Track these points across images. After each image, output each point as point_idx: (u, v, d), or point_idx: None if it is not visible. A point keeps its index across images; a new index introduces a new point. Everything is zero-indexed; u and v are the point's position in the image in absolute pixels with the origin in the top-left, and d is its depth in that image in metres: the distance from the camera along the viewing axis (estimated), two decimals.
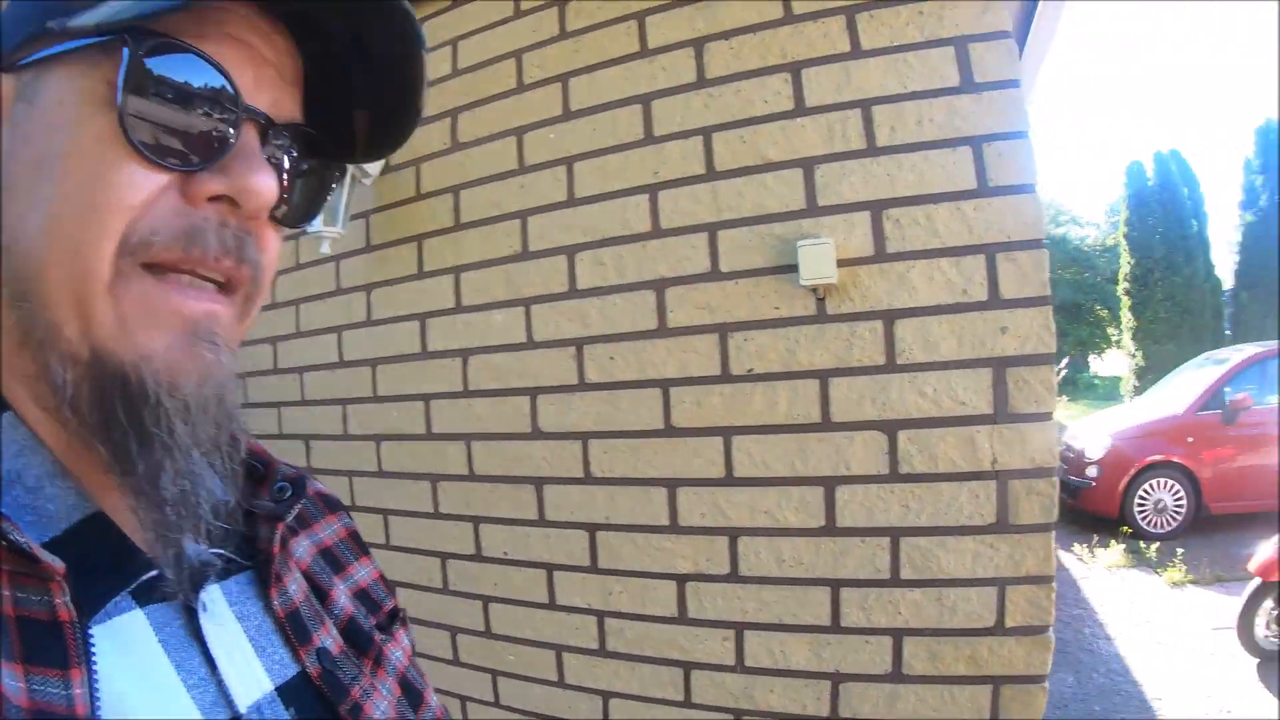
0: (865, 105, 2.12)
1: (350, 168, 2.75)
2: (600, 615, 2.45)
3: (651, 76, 2.36)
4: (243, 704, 0.60)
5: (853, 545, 2.12)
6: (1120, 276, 19.99)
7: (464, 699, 2.75)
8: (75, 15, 0.54)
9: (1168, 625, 5.92)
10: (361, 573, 0.86)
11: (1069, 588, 6.88)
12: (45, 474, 0.57)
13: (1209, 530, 8.41)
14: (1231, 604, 5.43)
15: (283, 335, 3.20)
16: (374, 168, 2.84)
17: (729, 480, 2.23)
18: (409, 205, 2.82)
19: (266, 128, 0.60)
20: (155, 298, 0.55)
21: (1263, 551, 5.08)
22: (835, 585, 2.15)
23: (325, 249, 2.86)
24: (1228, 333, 18.25)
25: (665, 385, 2.30)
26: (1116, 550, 7.60)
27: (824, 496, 2.14)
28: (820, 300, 2.13)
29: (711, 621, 2.29)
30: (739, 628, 2.26)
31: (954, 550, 2.04)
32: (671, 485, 2.31)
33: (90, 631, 0.52)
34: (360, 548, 0.90)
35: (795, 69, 2.19)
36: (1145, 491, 8.59)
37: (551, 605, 2.54)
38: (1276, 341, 10.83)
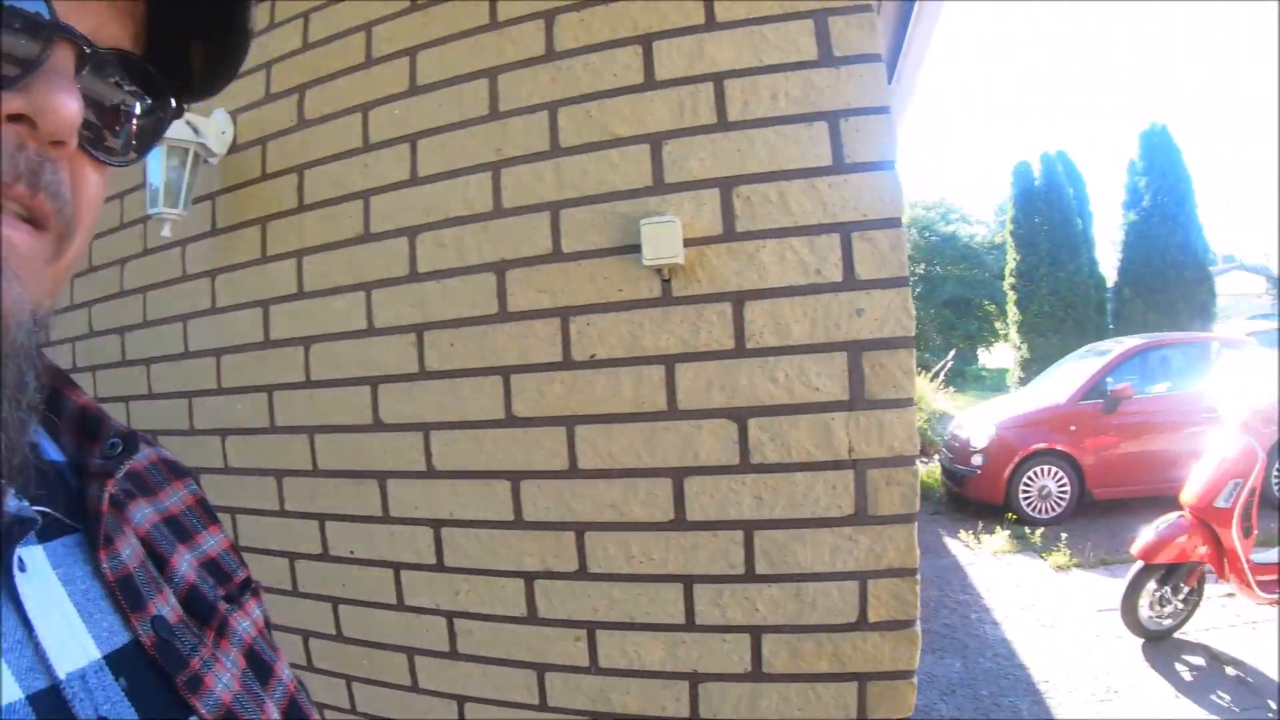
0: (718, 79, 1.92)
1: (194, 147, 2.49)
2: (449, 616, 2.21)
3: (500, 50, 2.12)
4: (62, 670, 0.52)
5: (704, 539, 1.92)
6: (1007, 272, 20.29)
7: (320, 705, 2.47)
8: None
9: (1053, 608, 5.88)
10: (210, 542, 0.78)
11: (955, 574, 6.82)
12: None
13: (1092, 515, 8.47)
14: (1115, 586, 5.41)
15: (130, 325, 2.89)
16: (220, 146, 2.56)
17: (573, 472, 2.00)
18: (254, 186, 2.53)
19: (85, 52, 0.53)
20: None
21: (1144, 535, 5.06)
22: (688, 581, 1.94)
23: (166, 232, 2.56)
24: (1110, 326, 18.58)
25: (506, 373, 2.06)
26: (1002, 536, 7.57)
27: (672, 489, 1.93)
28: (666, 282, 1.92)
29: (562, 621, 2.06)
30: (591, 627, 2.04)
31: (811, 543, 1.85)
32: (515, 478, 2.07)
33: None
34: (209, 516, 0.81)
35: (646, 41, 1.98)
36: (1030, 479, 8.62)
37: (400, 606, 2.28)
38: (1156, 334, 11.08)
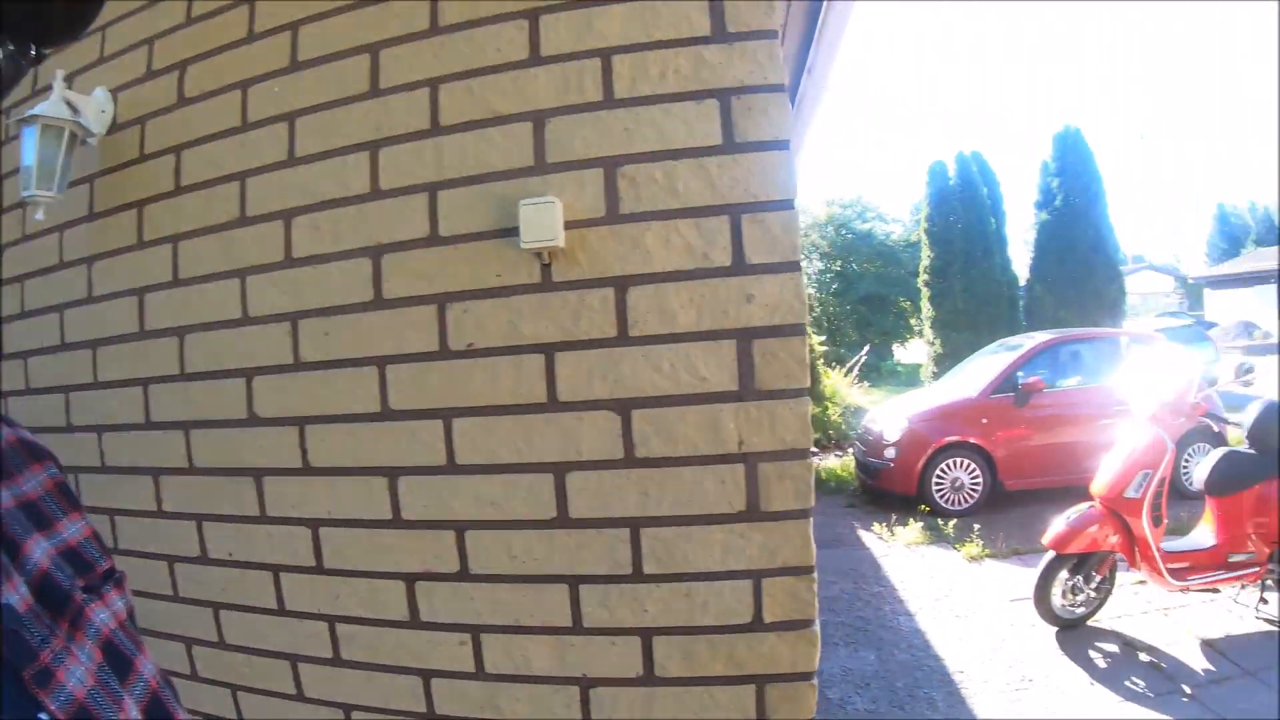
0: (605, 55, 1.77)
1: (71, 126, 2.28)
2: (331, 621, 2.03)
3: (383, 24, 1.95)
4: None
5: (589, 538, 1.77)
6: (921, 269, 20.42)
7: (206, 717, 2.28)
8: None
9: (967, 599, 5.81)
10: (71, 529, 0.70)
11: (870, 566, 6.73)
12: None
13: (1005, 506, 8.45)
14: (1028, 576, 5.33)
15: (9, 316, 2.66)
16: (99, 125, 2.36)
17: (451, 468, 1.84)
18: (132, 168, 2.32)
19: None
20: None
21: (1056, 525, 5.03)
22: (573, 582, 1.79)
23: (40, 216, 2.34)
24: (1022, 323, 18.76)
25: (382, 363, 1.89)
26: (915, 528, 7.50)
27: (554, 485, 1.77)
28: (546, 267, 1.76)
29: (446, 625, 1.90)
30: (475, 631, 1.88)
31: (701, 541, 1.71)
32: (392, 475, 1.89)
33: None
34: (70, 502, 0.72)
35: (533, 15, 1.82)
36: (943, 471, 8.58)
37: (281, 611, 2.09)
38: (1067, 330, 11.16)
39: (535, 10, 1.82)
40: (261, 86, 2.09)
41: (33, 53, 0.59)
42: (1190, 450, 8.55)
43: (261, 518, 2.08)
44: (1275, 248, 48.36)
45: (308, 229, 1.98)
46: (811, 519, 1.69)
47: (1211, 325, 27.78)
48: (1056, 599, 5.10)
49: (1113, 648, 4.96)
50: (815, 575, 1.71)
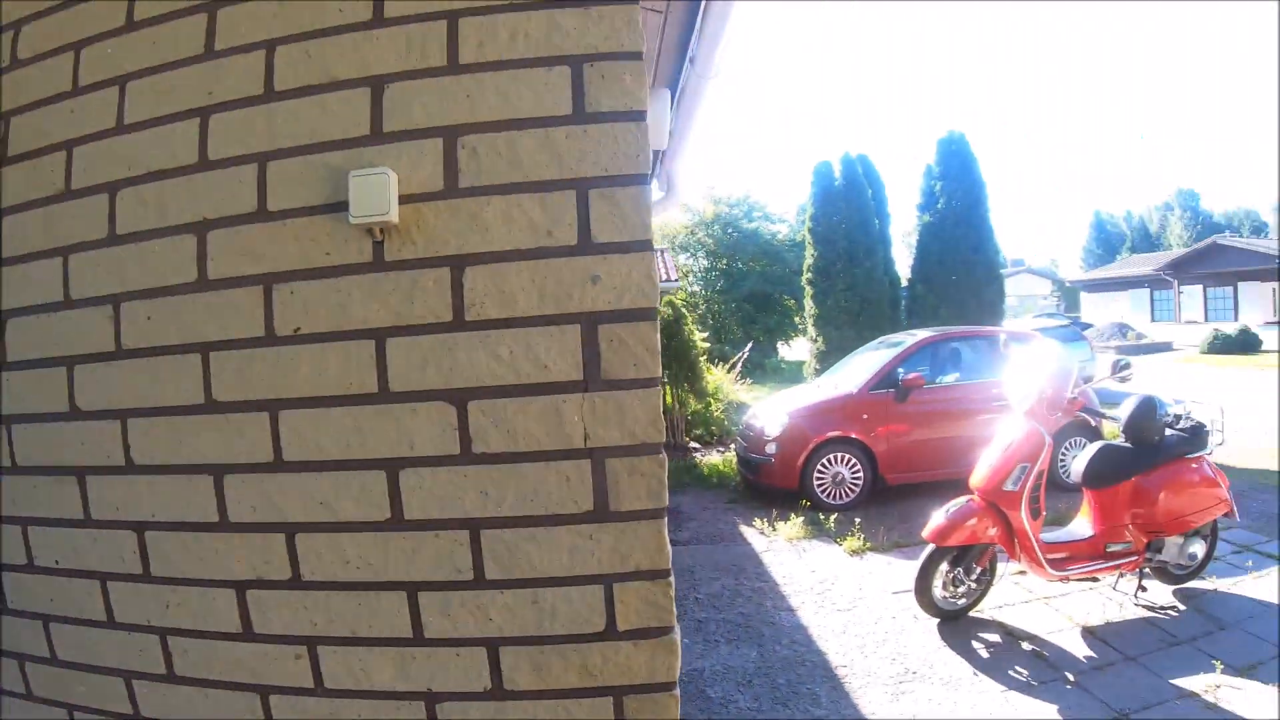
0: (452, 17, 1.58)
1: None
2: (162, 633, 1.79)
3: None
4: None
5: (426, 541, 1.57)
6: (805, 268, 20.33)
7: None
8: None
9: (849, 593, 5.69)
10: None
11: (751, 562, 6.57)
12: None
13: (885, 500, 8.39)
14: (909, 569, 5.29)
15: None
16: None
17: (279, 465, 1.62)
18: None
19: None
20: None
21: (935, 519, 4.97)
22: (412, 589, 1.59)
23: None
24: (904, 321, 18.80)
25: (205, 350, 1.66)
26: (797, 523, 7.35)
27: (386, 483, 1.57)
28: (378, 244, 1.56)
29: (280, 637, 1.68)
30: (311, 643, 1.66)
31: (546, 544, 1.53)
32: (217, 473, 1.66)
33: None
34: None
35: None
36: (824, 466, 8.46)
37: (111, 623, 1.85)
38: (947, 327, 11.19)
39: None
40: (95, 47, 1.86)
41: None
42: (1067, 444, 8.61)
43: (86, 521, 1.84)
44: (1149, 254, 50.26)
45: (133, 202, 1.74)
46: (665, 519, 1.51)
47: (1087, 326, 28.61)
48: (938, 591, 5.03)
49: (995, 638, 4.90)
50: (671, 580, 1.53)
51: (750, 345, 18.57)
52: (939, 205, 18.96)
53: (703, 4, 3.37)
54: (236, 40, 1.70)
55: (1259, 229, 72.28)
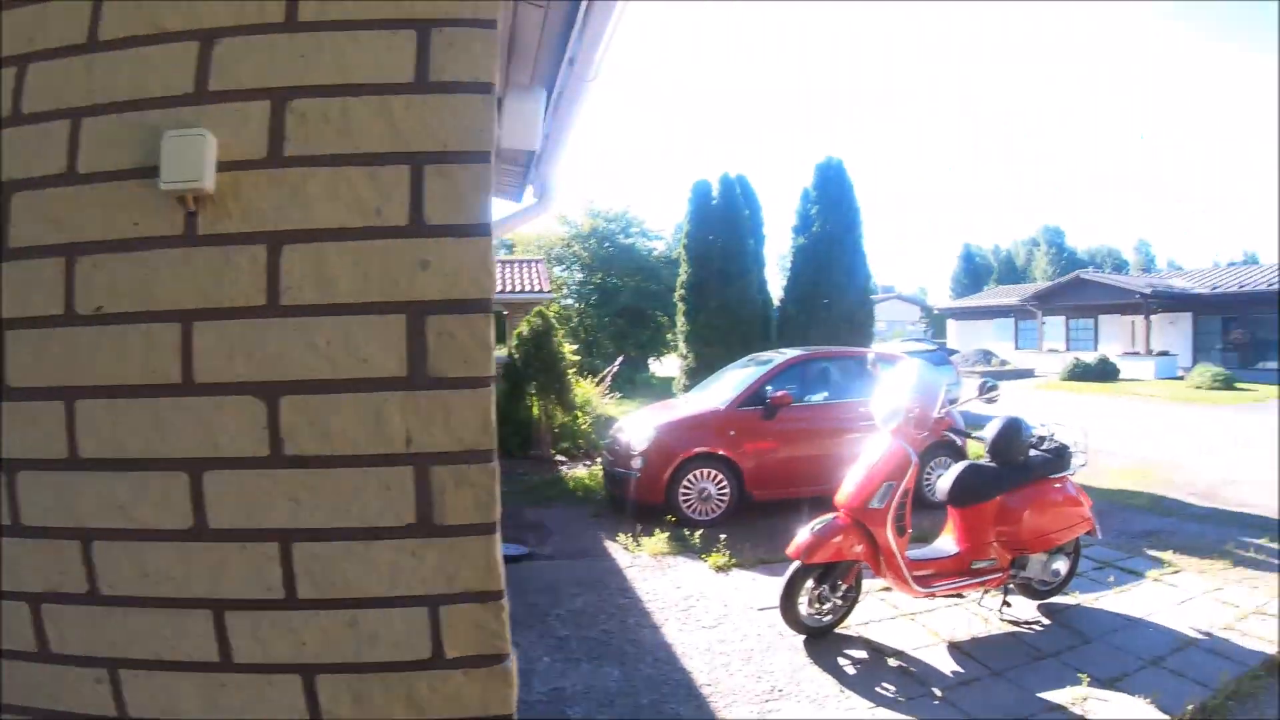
0: None
1: None
2: None
3: None
4: None
5: (232, 553, 1.32)
6: (678, 285, 20.10)
7: None
8: None
9: (714, 610, 5.44)
10: None
11: (615, 577, 6.27)
12: None
13: (752, 517, 8.09)
14: (775, 585, 5.01)
15: None
16: None
17: (74, 463, 1.35)
18: None
19: None
20: None
21: (801, 535, 4.77)
22: (218, 607, 1.34)
23: None
24: (775, 340, 18.62)
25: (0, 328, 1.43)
26: (662, 539, 7.03)
27: (189, 486, 1.32)
28: (191, 216, 1.32)
29: (79, 658, 1.41)
30: (113, 666, 1.39)
31: (364, 560, 1.30)
32: (10, 470, 1.41)
33: None
34: None
35: None
36: (690, 481, 8.17)
37: None
38: (816, 347, 11.10)
39: None
40: None
41: None
42: (933, 464, 8.52)
43: None
44: (1015, 286, 51.61)
45: None
46: (497, 535, 1.30)
47: (953, 352, 29.14)
48: (803, 608, 4.84)
49: (862, 654, 4.72)
50: (504, 603, 1.32)
51: (621, 359, 18.20)
52: (814, 229, 18.84)
53: (584, 2, 3.18)
54: None
55: (1120, 266, 75.22)
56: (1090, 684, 4.20)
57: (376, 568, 1.30)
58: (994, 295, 48.03)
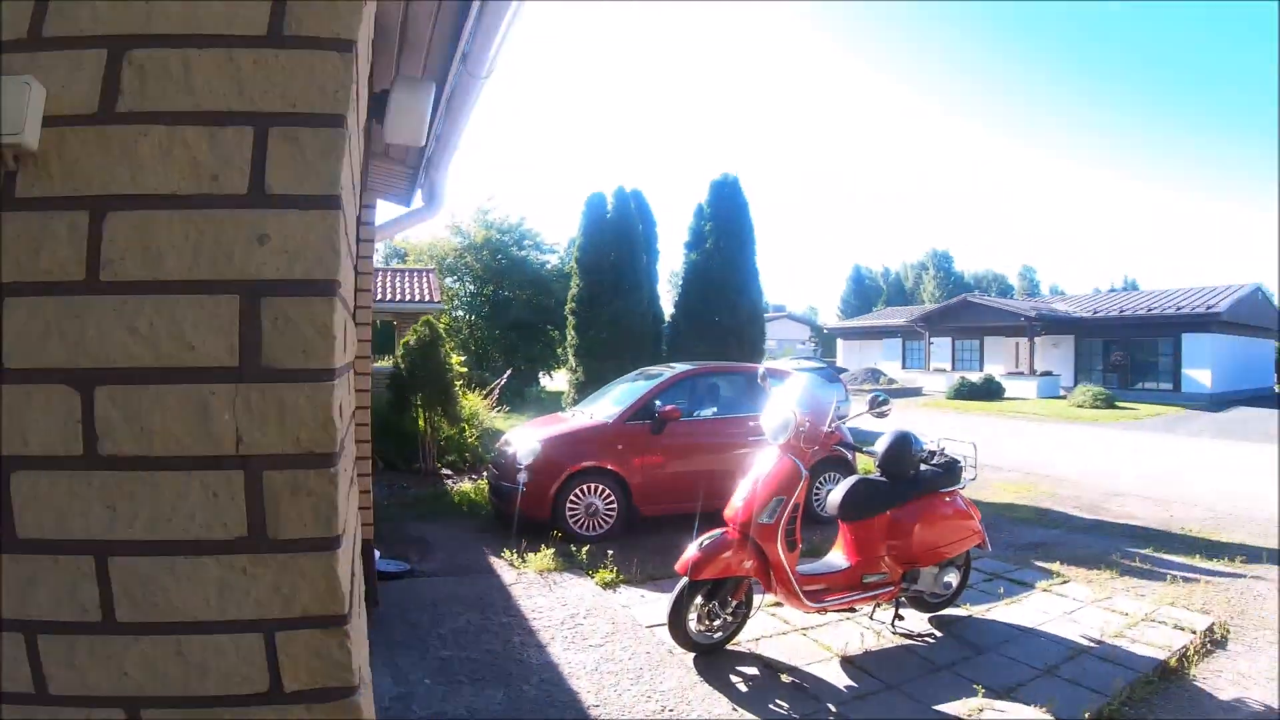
0: None
1: None
2: None
3: None
4: None
5: (44, 568, 1.15)
6: (569, 298, 20.06)
7: None
8: None
9: (602, 627, 5.33)
10: None
11: (499, 594, 6.10)
12: None
13: (640, 533, 8.06)
14: (664, 602, 4.96)
15: None
16: None
17: None
18: None
19: None
20: None
21: (689, 551, 4.72)
22: (30, 631, 1.16)
23: None
24: (665, 355, 18.69)
25: None
26: (547, 554, 6.88)
27: None
28: (11, 176, 1.16)
29: None
30: None
31: (189, 578, 1.15)
32: None
33: None
34: None
35: None
36: (576, 496, 8.06)
37: None
38: (707, 362, 11.14)
39: None
40: None
41: None
42: (822, 479, 8.66)
43: None
44: (903, 307, 53.68)
45: None
46: (341, 550, 1.16)
47: (842, 370, 30.00)
48: (693, 625, 4.77)
49: (754, 671, 4.67)
50: (348, 629, 1.18)
51: (509, 372, 17.94)
52: (708, 245, 19.00)
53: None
54: None
55: (1005, 290, 79.02)
56: (986, 695, 4.25)
57: (203, 587, 1.15)
58: (883, 316, 49.46)
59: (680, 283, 20.23)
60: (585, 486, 8.06)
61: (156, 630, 1.16)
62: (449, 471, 11.59)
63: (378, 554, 6.12)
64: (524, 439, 8.55)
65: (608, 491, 8.12)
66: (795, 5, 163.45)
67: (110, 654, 1.17)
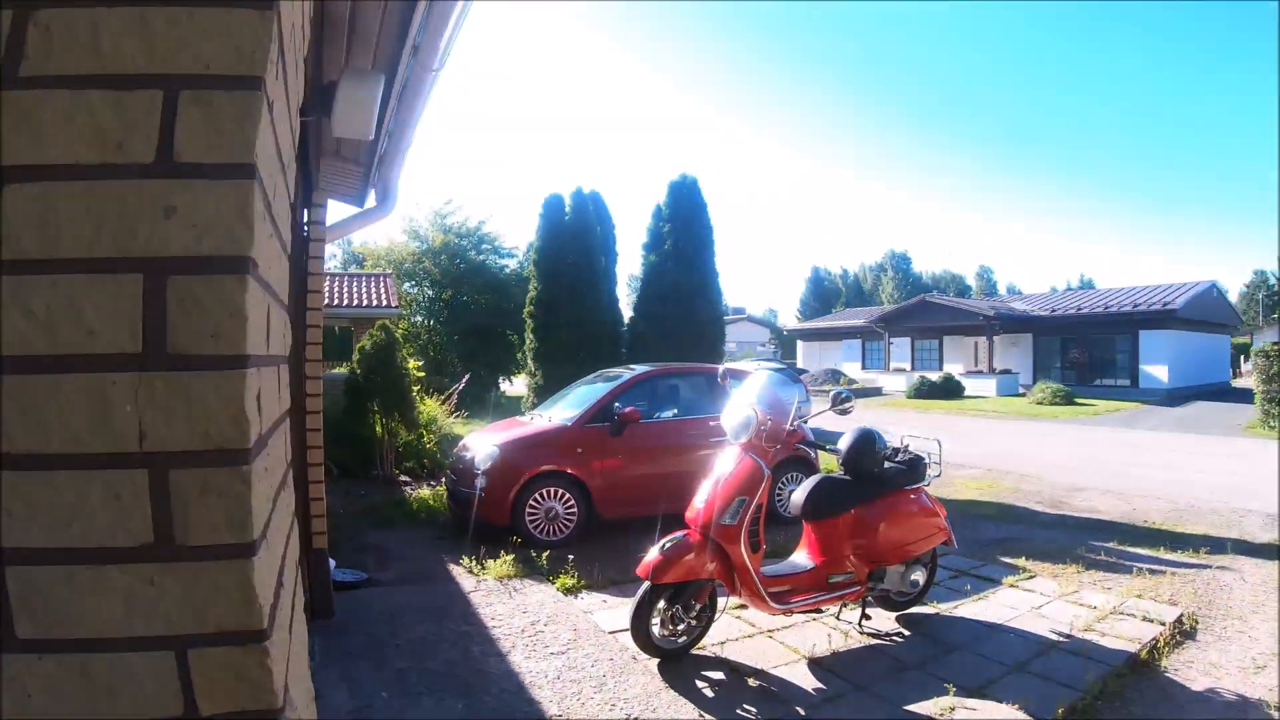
0: None
1: None
2: None
3: None
4: None
5: None
6: (528, 301, 19.90)
7: None
8: None
9: (563, 634, 5.24)
10: None
11: (458, 603, 5.99)
12: None
13: (601, 537, 8.01)
14: (627, 607, 4.89)
15: None
16: None
17: None
18: None
19: None
20: None
21: (650, 555, 4.67)
22: None
23: None
24: (624, 357, 18.63)
25: None
26: (507, 561, 6.81)
27: None
28: None
29: None
30: None
31: (92, 590, 1.03)
32: None
33: None
34: None
35: None
36: (536, 501, 7.99)
37: None
38: (666, 363, 11.08)
39: None
40: None
41: None
42: (784, 479, 8.71)
43: None
44: (863, 308, 54.42)
45: None
46: (258, 558, 1.06)
47: (803, 371, 30.31)
48: (656, 630, 4.72)
49: (719, 675, 4.62)
50: (269, 645, 1.07)
51: (467, 377, 17.76)
52: (666, 246, 19.08)
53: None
54: None
55: (963, 291, 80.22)
56: (957, 693, 4.23)
57: (108, 601, 1.03)
58: (842, 317, 49.96)
59: (639, 285, 20.17)
60: (545, 491, 7.99)
61: (60, 648, 1.05)
62: (408, 478, 11.45)
63: (333, 563, 5.98)
64: (482, 443, 8.44)
65: (568, 495, 8.06)
66: (760, 6, 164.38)
67: (12, 674, 1.06)
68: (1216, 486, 11.16)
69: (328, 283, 23.74)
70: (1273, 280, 59.16)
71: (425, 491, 10.36)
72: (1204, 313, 32.59)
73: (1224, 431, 20.04)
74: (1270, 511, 9.24)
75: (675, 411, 9.14)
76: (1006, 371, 33.50)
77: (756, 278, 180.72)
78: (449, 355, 28.02)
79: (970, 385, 32.36)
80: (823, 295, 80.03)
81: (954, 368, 35.42)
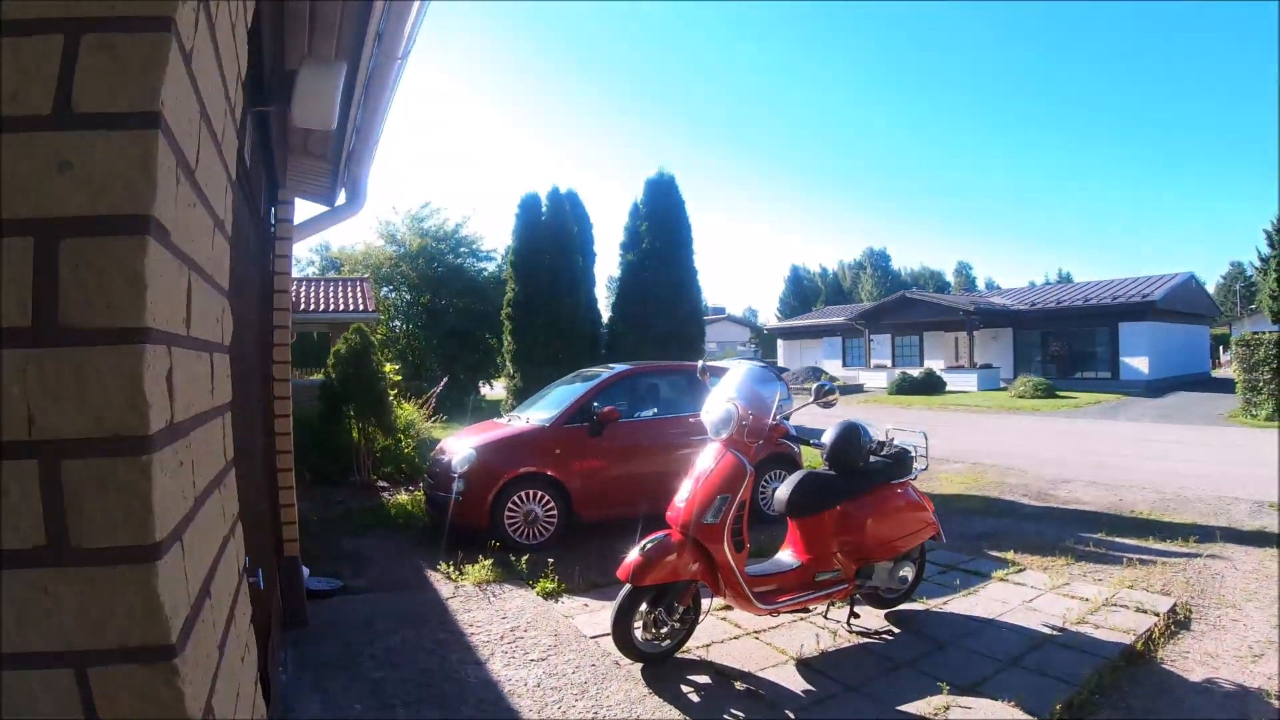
0: None
1: None
2: None
3: None
4: None
5: None
6: (505, 302, 19.65)
7: None
8: None
9: (544, 640, 5.11)
10: None
11: (435, 609, 5.83)
12: None
13: (581, 539, 7.87)
14: (608, 610, 4.75)
15: None
16: None
17: None
18: None
19: None
20: None
21: (631, 556, 4.53)
22: None
23: None
24: (604, 356, 18.46)
25: None
26: (486, 565, 6.64)
27: None
28: None
29: None
30: None
31: None
32: None
33: None
34: None
35: None
36: (515, 504, 7.83)
37: None
38: (645, 362, 11.14)
39: None
40: None
41: None
42: (768, 476, 8.57)
43: None
44: (843, 306, 54.69)
45: None
46: (164, 562, 0.94)
47: (783, 370, 30.25)
48: (639, 633, 4.59)
49: (705, 679, 4.49)
50: (178, 663, 0.94)
51: (445, 380, 17.48)
52: (644, 245, 18.83)
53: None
54: None
55: (943, 287, 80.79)
56: (951, 691, 4.13)
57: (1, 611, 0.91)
58: (822, 315, 49.99)
59: (617, 285, 20.03)
60: (524, 493, 7.85)
61: None
62: (385, 483, 11.27)
63: (307, 571, 5.84)
64: (459, 446, 8.30)
65: (547, 498, 7.92)
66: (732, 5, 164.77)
67: None
68: (1202, 475, 11.15)
69: (305, 288, 23.48)
70: (1250, 271, 59.79)
71: (403, 497, 10.16)
72: (1182, 304, 32.82)
73: (1206, 421, 20.14)
74: (1258, 499, 9.22)
75: (655, 410, 9.01)
76: (987, 366, 33.62)
77: (736, 277, 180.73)
78: (428, 360, 27.84)
79: (952, 380, 32.48)
80: (802, 294, 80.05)
81: (935, 363, 35.54)
